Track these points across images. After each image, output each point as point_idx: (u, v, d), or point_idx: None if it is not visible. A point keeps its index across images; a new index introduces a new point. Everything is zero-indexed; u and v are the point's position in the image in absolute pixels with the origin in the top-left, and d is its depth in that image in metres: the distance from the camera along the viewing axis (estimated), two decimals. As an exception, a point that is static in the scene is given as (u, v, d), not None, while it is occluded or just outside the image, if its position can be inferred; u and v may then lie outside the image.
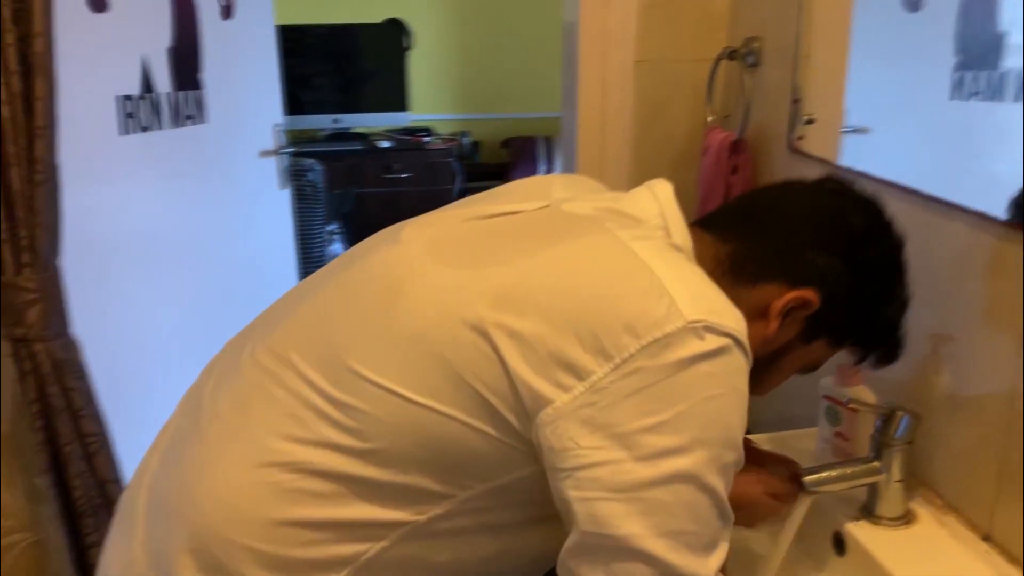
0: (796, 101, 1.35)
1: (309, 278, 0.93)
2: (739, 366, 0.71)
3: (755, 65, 1.46)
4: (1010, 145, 1.14)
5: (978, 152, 1.20)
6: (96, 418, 1.54)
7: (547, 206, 0.85)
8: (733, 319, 0.71)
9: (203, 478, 0.78)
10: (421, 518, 0.75)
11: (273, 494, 0.75)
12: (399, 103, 4.15)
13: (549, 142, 4.28)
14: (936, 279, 1.06)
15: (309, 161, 3.37)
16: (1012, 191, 1.05)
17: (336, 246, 3.76)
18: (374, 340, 0.76)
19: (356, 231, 3.96)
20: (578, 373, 0.69)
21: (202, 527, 0.76)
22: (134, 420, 1.81)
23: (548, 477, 0.72)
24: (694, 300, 0.70)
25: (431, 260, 0.79)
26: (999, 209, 1.01)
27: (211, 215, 2.19)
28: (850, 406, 1.11)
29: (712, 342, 0.68)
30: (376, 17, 4.10)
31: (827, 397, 1.15)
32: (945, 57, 1.21)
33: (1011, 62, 1.10)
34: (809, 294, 0.84)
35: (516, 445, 0.73)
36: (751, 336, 0.76)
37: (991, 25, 1.14)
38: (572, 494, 0.69)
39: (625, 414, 0.68)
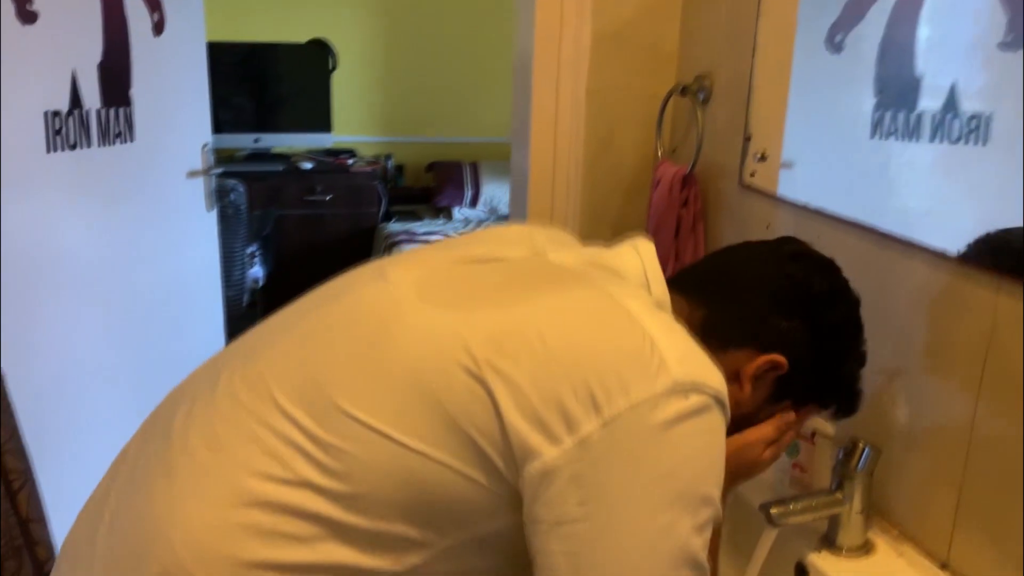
0: (748, 139, 1.39)
1: (288, 309, 0.90)
2: (719, 425, 0.73)
3: (706, 101, 1.50)
4: (926, 182, 1.21)
5: (897, 189, 1.26)
6: (19, 453, 1.45)
7: (532, 255, 0.87)
8: (716, 379, 0.73)
9: (174, 516, 0.74)
10: (398, 567, 0.73)
11: (248, 535, 0.72)
12: (322, 124, 4.09)
13: (475, 167, 4.29)
14: (890, 314, 1.10)
15: (232, 182, 3.28)
16: (945, 227, 1.10)
17: (256, 268, 3.66)
18: (363, 378, 0.74)
19: (276, 253, 3.87)
20: (569, 425, 0.69)
21: (172, 567, 0.72)
22: (59, 453, 1.71)
23: (526, 527, 0.72)
24: (682, 360, 0.72)
25: (422, 300, 0.78)
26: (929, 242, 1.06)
27: (138, 237, 2.10)
28: (814, 439, 1.14)
29: (696, 401, 0.70)
30: (301, 37, 4.04)
31: (786, 428, 1.18)
32: (866, 97, 1.27)
33: (927, 103, 1.17)
34: (778, 358, 0.88)
35: (501, 493, 0.72)
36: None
37: (908, 68, 1.21)
38: (555, 547, 0.70)
39: (611, 473, 0.69)
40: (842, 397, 0.96)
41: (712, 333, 0.86)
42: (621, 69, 1.58)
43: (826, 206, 1.29)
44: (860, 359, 0.96)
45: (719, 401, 0.72)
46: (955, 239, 1.06)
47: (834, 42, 1.34)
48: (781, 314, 0.89)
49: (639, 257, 0.87)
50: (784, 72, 1.38)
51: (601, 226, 1.63)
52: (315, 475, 0.72)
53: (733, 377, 0.87)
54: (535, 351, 0.71)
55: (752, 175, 1.40)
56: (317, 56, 4.05)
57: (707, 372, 0.73)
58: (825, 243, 1.21)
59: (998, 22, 1.05)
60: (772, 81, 1.38)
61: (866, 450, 1.05)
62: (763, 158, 1.38)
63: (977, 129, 1.12)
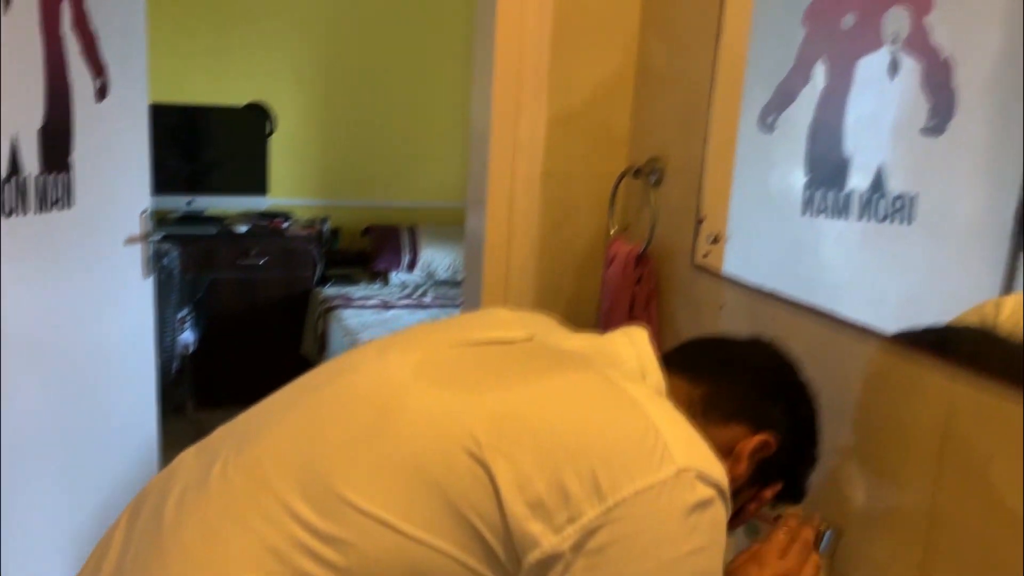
0: (700, 221, 1.44)
1: (282, 392, 0.89)
2: (722, 519, 0.75)
3: (658, 183, 1.55)
4: (856, 259, 1.27)
5: (827, 264, 1.32)
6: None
7: (531, 338, 0.87)
8: (719, 470, 0.75)
9: None
10: None
11: None
12: (258, 186, 4.05)
13: (413, 231, 4.30)
14: (846, 395, 1.14)
15: (166, 245, 3.22)
16: (880, 306, 1.16)
17: (187, 334, 3.57)
18: (365, 464, 0.73)
19: (208, 318, 3.78)
20: (571, 512, 0.69)
21: None
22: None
23: None
24: (687, 447, 0.73)
25: (424, 383, 0.79)
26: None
27: (74, 305, 2.04)
28: (778, 522, 1.16)
29: (701, 492, 0.71)
30: (240, 100, 4.02)
31: (747, 510, 1.20)
32: (798, 176, 1.34)
33: (855, 183, 1.23)
34: (770, 438, 0.91)
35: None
36: None
37: (836, 149, 1.28)
38: None
39: (613, 562, 0.69)
40: (796, 489, 1.01)
41: (714, 408, 0.89)
42: (575, 151, 1.62)
43: (768, 283, 1.34)
44: (814, 460, 1.01)
45: (722, 494, 0.73)
46: (891, 318, 1.11)
47: (766, 122, 1.41)
48: (771, 397, 0.93)
49: (634, 346, 0.89)
50: (729, 154, 1.44)
51: (555, 300, 1.66)
52: (315, 569, 0.70)
53: (729, 452, 0.89)
54: (538, 435, 0.72)
55: (705, 256, 1.45)
56: (255, 119, 4.03)
57: (711, 463, 0.74)
58: (780, 325, 1.26)
59: (921, 108, 1.12)
60: (720, 164, 1.44)
61: (828, 533, 1.07)
62: (716, 240, 1.43)
63: (903, 209, 1.18)
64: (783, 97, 1.38)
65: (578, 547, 0.68)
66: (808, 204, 1.33)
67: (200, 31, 4.05)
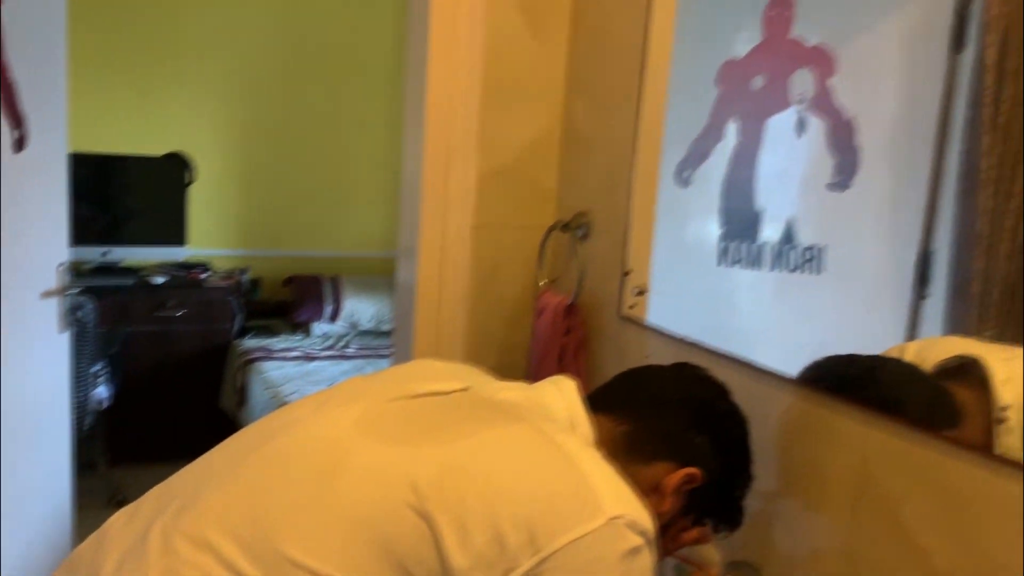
0: (627, 273, 1.50)
1: (219, 451, 0.89)
2: (649, 566, 0.78)
3: (585, 237, 1.61)
4: (768, 308, 1.34)
5: (742, 313, 1.39)
6: None
7: (467, 389, 0.90)
8: (646, 518, 0.79)
9: None
10: None
11: None
12: (176, 237, 3.98)
13: (336, 281, 4.28)
14: (768, 441, 1.19)
15: (81, 298, 3.13)
16: (787, 351, 1.22)
17: (101, 389, 3.46)
18: (310, 524, 0.75)
19: (123, 372, 3.67)
20: (508, 563, 0.72)
21: None
22: None
23: None
24: (616, 497, 0.77)
25: (365, 439, 0.80)
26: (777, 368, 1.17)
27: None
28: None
29: (631, 540, 0.75)
30: (158, 148, 3.97)
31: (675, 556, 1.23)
32: (713, 228, 1.41)
33: (767, 235, 1.31)
34: (695, 471, 0.94)
35: None
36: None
37: (749, 202, 1.36)
38: None
39: None
40: (732, 513, 1.03)
41: (636, 447, 0.92)
42: (505, 205, 1.68)
43: (690, 333, 1.40)
44: (749, 479, 1.03)
45: (649, 541, 0.77)
46: (799, 364, 1.17)
47: (682, 177, 1.49)
48: (695, 430, 0.96)
49: (563, 397, 0.93)
50: (651, 209, 1.51)
51: (487, 350, 1.69)
52: None
53: (654, 489, 0.93)
54: (478, 489, 0.75)
55: (631, 307, 1.51)
56: (174, 169, 3.98)
57: (639, 511, 0.78)
58: (705, 374, 1.30)
59: (827, 165, 1.21)
60: (643, 219, 1.51)
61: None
62: (641, 292, 1.49)
63: (812, 260, 1.26)
64: (698, 153, 1.46)
65: None
66: (724, 255, 1.40)
67: (120, 81, 3.99)
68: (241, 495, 0.79)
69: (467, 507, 0.73)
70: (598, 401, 0.97)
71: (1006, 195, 0.96)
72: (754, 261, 1.36)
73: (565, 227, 1.64)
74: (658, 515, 0.91)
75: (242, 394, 3.68)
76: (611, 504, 0.76)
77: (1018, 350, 0.93)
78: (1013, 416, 0.92)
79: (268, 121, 4.31)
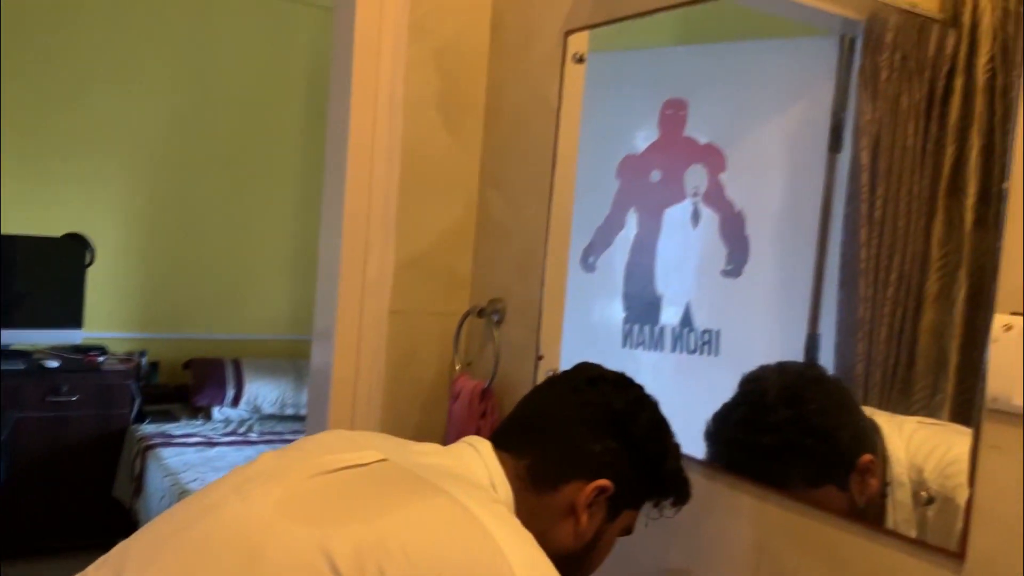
0: (540, 358, 1.56)
1: (138, 536, 0.87)
2: None
3: (500, 322, 1.67)
4: (670, 388, 1.40)
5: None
6: None
7: (385, 459, 0.91)
8: None
9: None
10: None
11: None
12: (72, 319, 3.85)
13: (237, 364, 4.19)
14: (675, 518, 1.25)
15: (-32, 385, 2.99)
16: (690, 431, 1.28)
17: (-15, 479, 3.28)
18: None
19: (13, 460, 3.49)
20: None
21: None
22: None
23: None
24: (528, 566, 0.79)
25: (287, 520, 0.81)
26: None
27: None
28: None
29: None
30: (56, 229, 3.87)
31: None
32: (617, 312, 1.48)
33: (667, 319, 1.39)
34: (603, 482, 0.96)
35: None
36: (567, 535, 0.91)
37: (650, 288, 1.44)
38: None
39: None
40: (673, 489, 1.04)
41: (539, 478, 0.94)
42: (421, 291, 1.72)
43: None
44: (676, 452, 1.05)
45: None
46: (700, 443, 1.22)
47: (587, 263, 1.57)
48: (594, 439, 0.97)
49: (481, 458, 0.95)
50: (562, 295, 1.57)
51: (402, 434, 1.66)
52: None
53: (569, 512, 0.95)
54: (399, 565, 0.76)
55: (545, 389, 1.56)
56: (73, 250, 3.87)
57: None
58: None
59: (720, 253, 1.30)
60: (554, 304, 1.58)
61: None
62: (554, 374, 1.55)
63: (709, 342, 1.35)
64: (601, 240, 1.53)
65: None
66: (627, 337, 1.47)
67: (17, 161, 3.89)
68: None
69: None
70: (501, 439, 0.99)
71: (883, 284, 1.06)
72: (656, 344, 1.42)
73: (480, 313, 1.70)
74: (579, 535, 0.94)
75: (139, 482, 3.54)
76: (525, 575, 0.77)
77: (913, 422, 1.01)
78: (899, 492, 1.01)
79: (169, 202, 4.26)
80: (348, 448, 0.93)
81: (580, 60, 1.52)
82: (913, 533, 0.96)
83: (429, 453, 0.97)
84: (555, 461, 0.96)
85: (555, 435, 0.99)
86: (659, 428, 1.04)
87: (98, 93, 4.05)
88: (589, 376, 1.04)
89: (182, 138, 4.26)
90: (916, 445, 1.00)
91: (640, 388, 1.05)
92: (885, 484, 1.01)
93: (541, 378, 1.57)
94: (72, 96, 4.00)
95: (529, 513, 0.92)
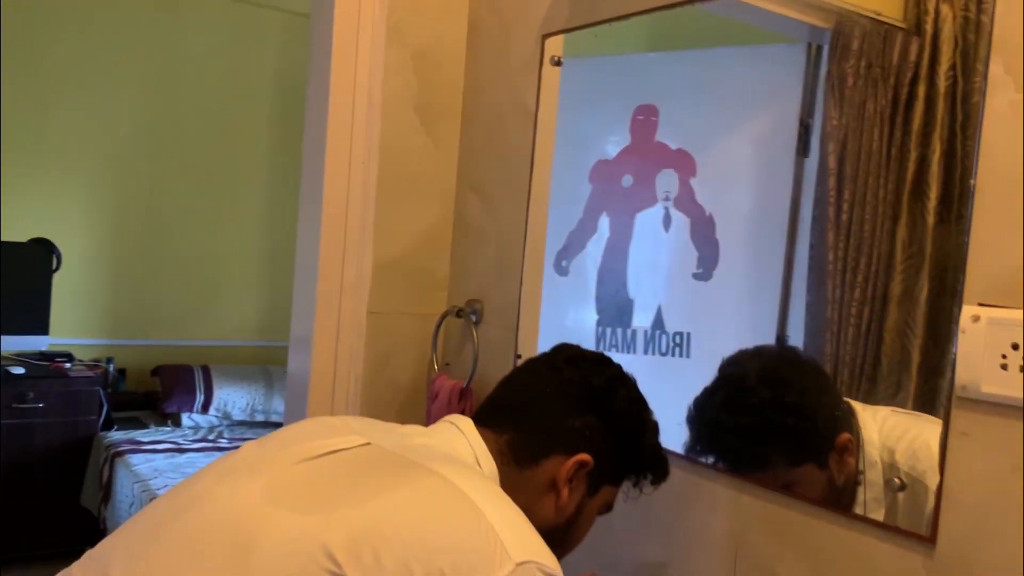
0: (519, 356, 1.59)
1: (124, 529, 0.88)
2: None
3: (478, 322, 1.69)
4: (644, 390, 1.41)
5: None
6: None
7: (368, 444, 0.91)
8: (551, 558, 0.82)
9: None
10: None
11: None
12: (38, 326, 3.80)
13: (206, 371, 4.16)
14: (655, 512, 1.28)
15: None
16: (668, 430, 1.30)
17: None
18: None
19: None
20: None
21: None
22: None
23: None
24: (522, 542, 0.81)
25: (277, 508, 0.81)
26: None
27: None
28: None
29: None
30: (20, 234, 3.81)
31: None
32: (590, 315, 1.50)
33: (639, 322, 1.41)
34: (582, 457, 0.97)
35: None
36: (549, 509, 0.93)
37: (622, 291, 1.45)
38: None
39: None
40: (652, 465, 1.06)
41: (521, 453, 0.96)
42: (399, 293, 1.74)
43: None
44: (654, 428, 1.07)
45: None
46: (676, 440, 1.24)
47: (560, 266, 1.58)
48: (574, 415, 0.99)
49: (464, 436, 0.96)
50: (538, 297, 1.59)
51: None
52: None
53: (551, 486, 0.97)
54: (393, 549, 0.76)
55: (523, 389, 1.58)
56: (38, 255, 3.82)
57: (543, 552, 0.81)
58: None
59: (691, 257, 1.31)
60: (531, 305, 1.60)
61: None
62: (533, 374, 1.58)
63: (681, 344, 1.37)
64: (574, 244, 1.55)
65: None
66: (600, 339, 1.49)
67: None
68: (155, 571, 0.79)
69: (383, 567, 0.75)
70: (482, 416, 1.01)
71: (850, 285, 1.09)
72: (628, 346, 1.44)
73: (459, 313, 1.72)
74: (560, 509, 0.96)
75: (108, 490, 3.50)
76: (517, 550, 0.78)
77: (887, 410, 1.04)
78: (871, 473, 1.04)
79: (137, 207, 4.23)
80: (331, 434, 0.94)
81: (557, 63, 1.55)
82: (883, 516, 1.00)
83: (412, 434, 0.98)
84: (536, 436, 0.98)
85: (535, 412, 1.00)
86: (637, 404, 1.06)
87: (65, 98, 4.01)
88: (568, 355, 1.06)
89: (150, 143, 4.23)
90: (888, 429, 1.03)
91: (619, 367, 1.07)
92: (859, 469, 1.05)
93: (519, 377, 1.59)
94: (38, 100, 3.95)
95: (512, 488, 0.93)
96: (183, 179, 4.31)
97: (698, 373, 1.28)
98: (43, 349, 3.87)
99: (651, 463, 1.06)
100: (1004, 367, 0.85)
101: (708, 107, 1.39)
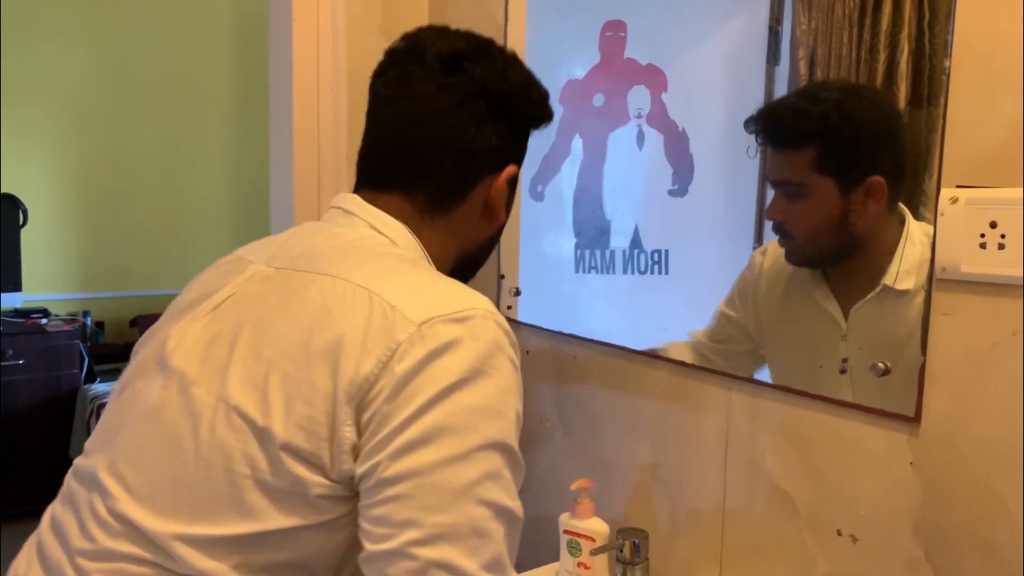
0: (502, 277, 1.60)
1: (119, 428, 0.86)
2: (493, 337, 0.76)
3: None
4: (620, 308, 1.44)
5: (602, 312, 1.49)
6: None
7: (253, 273, 0.89)
8: (463, 301, 0.77)
9: None
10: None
11: None
12: (11, 283, 3.76)
13: (186, 319, 4.13)
14: (643, 416, 1.31)
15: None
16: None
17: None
18: (191, 501, 0.76)
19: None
20: (359, 414, 0.73)
21: None
22: None
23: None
24: (422, 304, 0.76)
25: (196, 386, 0.80)
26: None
27: None
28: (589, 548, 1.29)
29: (452, 331, 0.74)
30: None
31: (567, 531, 1.33)
32: (568, 238, 1.50)
33: (617, 242, 1.42)
34: (511, 170, 0.94)
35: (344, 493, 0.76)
36: (486, 228, 0.94)
37: (599, 213, 1.46)
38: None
39: (394, 429, 0.72)
40: (538, 113, 0.99)
41: (443, 199, 0.90)
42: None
43: (564, 329, 1.48)
44: (533, 78, 0.98)
45: (484, 315, 0.77)
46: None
47: (536, 192, 1.58)
48: (478, 124, 0.90)
49: (358, 217, 0.90)
50: (517, 219, 1.60)
51: None
52: None
53: (484, 211, 0.93)
54: (284, 371, 0.75)
55: (508, 308, 1.60)
56: (4, 211, 3.76)
57: (448, 301, 0.77)
58: (581, 362, 1.41)
59: (666, 174, 1.31)
60: (512, 225, 1.60)
61: (636, 543, 1.23)
62: (517, 293, 1.59)
63: (659, 262, 1.38)
64: (548, 168, 1.54)
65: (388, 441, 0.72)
66: (579, 262, 1.50)
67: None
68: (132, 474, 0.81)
69: (288, 396, 0.74)
70: (377, 182, 0.92)
71: None
72: (608, 267, 1.45)
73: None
74: (495, 221, 0.96)
75: (96, 441, 3.51)
76: (417, 312, 0.75)
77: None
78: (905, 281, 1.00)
79: (101, 157, 4.14)
80: (212, 279, 0.94)
81: (524, -25, 1.50)
82: (869, 401, 1.02)
83: (304, 236, 0.92)
84: (454, 178, 0.91)
85: (439, 155, 0.91)
86: (512, 67, 0.96)
87: (17, 47, 3.89)
88: (442, 56, 0.91)
89: (109, 91, 4.13)
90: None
91: (491, 41, 0.96)
92: (844, 360, 1.07)
93: (505, 299, 1.60)
94: (-10, 53, 3.84)
95: (442, 236, 0.92)
96: (146, 125, 4.22)
97: (677, 289, 1.30)
98: (17, 306, 3.83)
99: (536, 109, 0.99)
100: (983, 246, 0.87)
101: (676, 19, 1.36)
